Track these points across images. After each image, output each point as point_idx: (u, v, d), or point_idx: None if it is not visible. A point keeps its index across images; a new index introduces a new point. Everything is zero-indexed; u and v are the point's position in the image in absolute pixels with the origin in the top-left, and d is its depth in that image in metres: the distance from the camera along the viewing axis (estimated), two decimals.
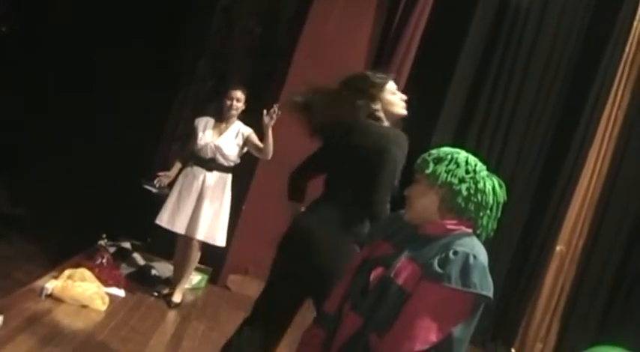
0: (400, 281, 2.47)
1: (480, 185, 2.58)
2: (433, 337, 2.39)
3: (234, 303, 7.25)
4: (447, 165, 2.56)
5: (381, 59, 8.22)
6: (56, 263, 6.38)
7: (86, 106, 9.99)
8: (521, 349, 8.43)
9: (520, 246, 8.56)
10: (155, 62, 9.57)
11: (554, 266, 8.30)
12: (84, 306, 5.72)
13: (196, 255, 6.67)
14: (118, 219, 7.86)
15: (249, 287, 7.76)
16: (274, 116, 6.12)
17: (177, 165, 6.76)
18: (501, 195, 2.64)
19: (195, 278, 7.29)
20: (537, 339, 8.36)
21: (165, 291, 6.74)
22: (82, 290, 5.77)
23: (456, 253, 2.43)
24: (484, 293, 2.43)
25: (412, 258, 2.51)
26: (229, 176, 6.61)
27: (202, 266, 7.41)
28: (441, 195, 2.56)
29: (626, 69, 8.32)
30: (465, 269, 2.42)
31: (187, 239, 6.58)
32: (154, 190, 7.98)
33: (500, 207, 2.64)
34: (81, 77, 10.19)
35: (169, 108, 9.24)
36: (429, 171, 2.56)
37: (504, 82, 8.46)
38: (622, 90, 8.33)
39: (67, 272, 5.95)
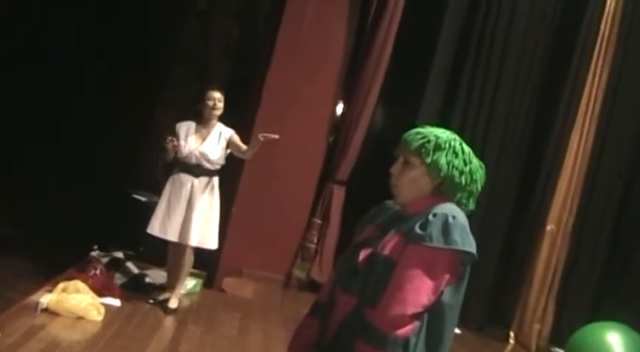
0: (386, 252, 2.50)
1: (475, 176, 2.62)
2: (424, 299, 2.40)
3: (230, 305, 7.28)
4: (446, 156, 2.58)
5: (360, 50, 8.28)
6: (49, 278, 6.37)
7: (68, 121, 10.00)
8: (519, 331, 8.46)
9: (510, 228, 8.61)
10: (134, 70, 9.55)
11: (546, 246, 8.34)
12: (80, 318, 5.72)
13: (190, 260, 6.68)
14: (108, 230, 7.86)
15: (244, 289, 7.80)
16: (270, 138, 6.19)
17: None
18: (483, 179, 2.68)
19: (190, 283, 7.30)
20: (534, 320, 8.39)
21: (161, 298, 6.74)
22: (77, 302, 5.77)
23: (435, 215, 2.46)
24: (466, 249, 2.45)
25: (397, 231, 2.54)
26: (216, 178, 6.61)
27: (196, 271, 7.43)
28: (437, 183, 2.59)
29: (603, 47, 8.37)
30: (446, 228, 2.43)
31: (179, 245, 6.59)
32: (143, 199, 8.00)
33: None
34: (60, 93, 10.17)
35: (151, 115, 9.26)
36: (428, 160, 2.57)
37: (484, 63, 8.54)
38: (600, 68, 8.38)
39: (61, 285, 5.95)
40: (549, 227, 8.37)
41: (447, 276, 2.45)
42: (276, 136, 6.20)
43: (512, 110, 8.61)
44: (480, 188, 2.64)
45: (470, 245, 2.45)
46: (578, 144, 8.39)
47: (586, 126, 8.39)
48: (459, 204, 2.59)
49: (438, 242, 2.42)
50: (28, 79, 10.00)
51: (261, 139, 6.21)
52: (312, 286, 7.89)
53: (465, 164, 2.60)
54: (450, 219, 2.44)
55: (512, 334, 8.48)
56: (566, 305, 8.57)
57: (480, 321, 8.65)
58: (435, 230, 2.44)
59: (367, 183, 8.13)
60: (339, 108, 8.58)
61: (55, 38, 10.14)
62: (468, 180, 2.60)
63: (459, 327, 8.36)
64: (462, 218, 2.49)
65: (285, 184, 7.95)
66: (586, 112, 8.37)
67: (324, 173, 8.32)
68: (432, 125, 2.74)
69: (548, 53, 8.63)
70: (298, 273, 8.20)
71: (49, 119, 9.92)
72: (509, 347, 8.39)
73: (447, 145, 2.60)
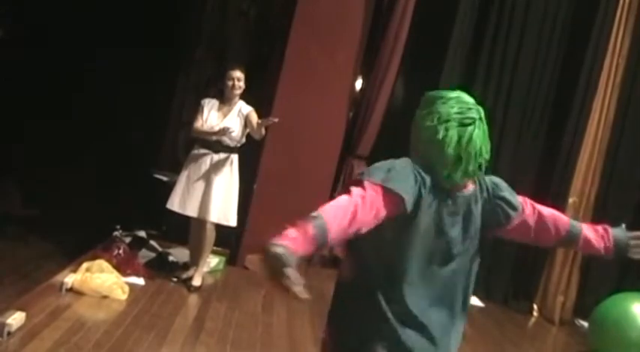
0: None
1: (424, 136, 2.66)
2: (360, 192, 2.41)
3: (254, 282, 7.29)
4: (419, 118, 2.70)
5: (378, 25, 8.23)
6: (73, 259, 6.41)
7: (89, 103, 10.06)
8: (543, 303, 8.45)
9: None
10: (153, 52, 9.56)
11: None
12: (104, 297, 5.78)
13: (211, 236, 6.70)
14: (131, 210, 7.91)
15: None
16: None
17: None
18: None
19: (213, 261, 7.34)
20: (558, 292, 8.38)
21: (184, 276, 6.78)
22: (102, 282, 5.81)
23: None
24: (364, 177, 2.47)
25: None
26: (236, 156, 6.63)
27: (219, 249, 7.47)
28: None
29: (624, 15, 8.28)
30: (373, 166, 2.54)
31: (200, 222, 6.62)
32: (164, 179, 8.02)
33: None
34: (82, 76, 10.25)
35: (172, 96, 9.27)
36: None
37: (503, 36, 8.49)
38: (621, 37, 8.30)
39: (85, 265, 5.99)
40: (572, 199, 8.32)
41: (360, 196, 2.40)
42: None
43: (533, 82, 8.55)
44: (446, 151, 2.58)
45: (374, 176, 2.47)
46: (600, 114, 8.32)
47: (607, 95, 8.31)
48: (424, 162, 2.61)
49: (361, 175, 2.51)
50: (48, 64, 10.09)
51: (260, 123, 6.32)
52: (334, 262, 7.89)
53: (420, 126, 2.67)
54: (382, 161, 2.55)
55: (535, 307, 8.48)
56: (590, 277, 8.55)
57: (503, 294, 8.64)
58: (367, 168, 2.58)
59: (388, 157, 8.09)
60: (359, 84, 8.55)
61: (74, 23, 10.20)
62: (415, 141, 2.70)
63: (483, 300, 8.39)
64: (398, 164, 2.53)
65: (306, 160, 7.94)
66: (607, 82, 8.30)
67: (345, 148, 8.30)
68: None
69: (569, 23, 8.55)
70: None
71: (73, 100, 9.99)
72: (532, 320, 8.39)
73: (424, 106, 2.69)
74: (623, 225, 3.00)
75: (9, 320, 4.58)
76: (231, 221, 6.67)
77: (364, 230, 2.39)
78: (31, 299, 5.29)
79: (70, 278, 5.78)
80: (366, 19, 8.17)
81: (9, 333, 4.56)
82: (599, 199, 8.48)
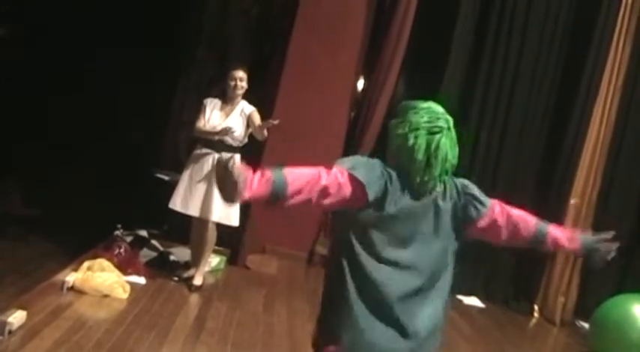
0: None
1: (397, 141, 2.90)
2: (327, 169, 2.71)
3: (255, 282, 7.32)
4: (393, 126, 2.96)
5: (380, 25, 8.23)
6: (74, 258, 6.40)
7: (90, 103, 10.06)
8: (544, 304, 8.45)
9: (534, 202, 8.55)
10: (153, 52, 9.57)
11: (570, 219, 8.29)
12: (105, 296, 5.77)
13: (212, 236, 6.70)
14: (132, 209, 7.91)
15: (268, 266, 7.84)
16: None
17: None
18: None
19: (214, 261, 7.33)
20: (559, 293, 8.38)
21: (185, 275, 6.78)
22: (103, 281, 5.81)
23: None
24: (340, 166, 2.75)
25: None
26: (238, 156, 6.62)
27: (220, 248, 7.47)
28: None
29: (626, 16, 8.28)
30: (343, 158, 2.85)
31: (202, 221, 6.62)
32: (166, 178, 8.02)
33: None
34: (82, 75, 10.25)
35: (172, 96, 9.28)
36: None
37: (505, 35, 8.52)
38: (623, 39, 8.30)
39: (86, 264, 5.97)
40: (573, 200, 8.32)
41: (325, 171, 2.71)
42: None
43: (534, 83, 8.56)
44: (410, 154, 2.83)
45: (342, 164, 2.77)
46: (601, 115, 8.32)
47: (609, 97, 8.31)
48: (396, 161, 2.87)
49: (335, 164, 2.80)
50: (51, 62, 10.10)
51: (261, 126, 6.35)
52: None
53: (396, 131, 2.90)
54: (351, 156, 2.89)
55: (536, 307, 8.48)
56: (591, 278, 8.55)
57: (504, 295, 8.65)
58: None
59: None
60: (361, 84, 8.55)
61: (74, 23, 10.21)
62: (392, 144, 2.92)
63: (484, 301, 8.39)
64: (366, 160, 2.83)
65: (308, 160, 7.86)
66: (609, 83, 8.30)
67: (347, 149, 8.29)
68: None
69: (570, 24, 8.55)
70: (321, 250, 8.21)
71: (74, 100, 9.99)
72: (533, 321, 8.40)
73: (398, 115, 2.95)
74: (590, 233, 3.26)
75: (10, 319, 4.58)
76: (234, 221, 6.67)
77: (327, 203, 2.66)
78: (32, 298, 5.28)
79: (71, 277, 5.77)
80: (368, 19, 8.18)
81: (10, 332, 4.56)
82: (600, 200, 8.49)
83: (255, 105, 6.64)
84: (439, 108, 2.91)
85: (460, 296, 8.44)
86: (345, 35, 8.06)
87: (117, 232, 7.01)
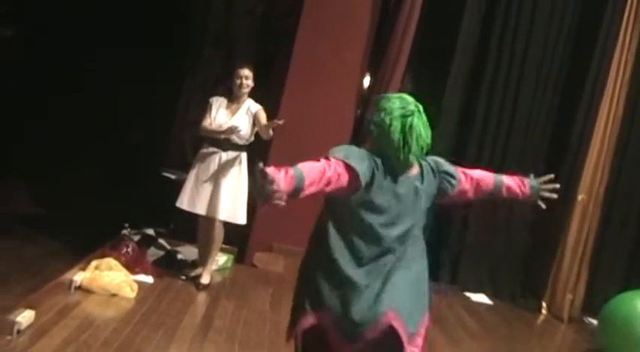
0: None
1: (385, 128, 3.20)
2: (326, 160, 3.00)
3: (262, 280, 7.32)
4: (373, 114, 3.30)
5: (386, 23, 8.21)
6: (82, 257, 6.41)
7: (92, 103, 10.07)
8: (552, 301, 8.42)
9: (542, 199, 8.53)
10: (157, 51, 9.58)
11: (577, 216, 8.26)
12: (113, 295, 5.80)
13: (219, 234, 6.71)
14: (139, 208, 7.92)
15: (275, 264, 7.83)
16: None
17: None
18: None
19: (221, 259, 7.34)
20: (567, 290, 8.34)
21: (193, 274, 6.80)
22: (110, 280, 5.83)
23: None
24: (335, 156, 3.03)
25: None
26: (244, 154, 6.64)
27: (227, 247, 7.48)
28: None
29: (633, 10, 8.24)
30: (335, 148, 3.12)
31: (209, 220, 6.63)
32: (173, 177, 8.04)
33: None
34: (88, 75, 10.26)
35: (178, 95, 9.28)
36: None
37: (511, 31, 8.53)
38: (630, 32, 8.25)
39: (94, 263, 6.00)
40: (580, 196, 8.29)
41: (326, 163, 3.00)
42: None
43: (540, 78, 8.55)
44: (396, 138, 3.16)
45: (337, 154, 3.05)
46: (609, 111, 8.28)
47: (616, 92, 8.26)
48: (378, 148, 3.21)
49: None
50: (51, 62, 10.11)
51: (266, 125, 6.38)
52: None
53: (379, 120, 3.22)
54: (341, 145, 3.16)
55: (544, 304, 8.45)
56: (599, 274, 8.53)
57: (512, 292, 8.63)
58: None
59: None
60: (366, 82, 8.54)
61: (75, 23, 10.22)
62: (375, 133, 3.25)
63: (491, 298, 8.38)
64: (355, 149, 3.15)
65: (314, 158, 7.92)
66: (616, 78, 8.25)
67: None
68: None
69: (577, 18, 8.53)
70: None
71: (81, 98, 9.99)
72: (541, 318, 8.37)
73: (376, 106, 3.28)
74: (532, 175, 3.75)
75: (18, 318, 4.60)
76: (241, 219, 6.68)
77: (328, 190, 2.96)
78: (40, 298, 5.29)
79: (79, 277, 5.79)
80: (374, 17, 8.16)
81: (18, 331, 4.58)
82: (607, 196, 8.45)
83: (260, 104, 6.65)
84: (410, 98, 3.26)
85: (468, 294, 8.43)
86: (350, 33, 8.05)
87: (124, 231, 7.03)
